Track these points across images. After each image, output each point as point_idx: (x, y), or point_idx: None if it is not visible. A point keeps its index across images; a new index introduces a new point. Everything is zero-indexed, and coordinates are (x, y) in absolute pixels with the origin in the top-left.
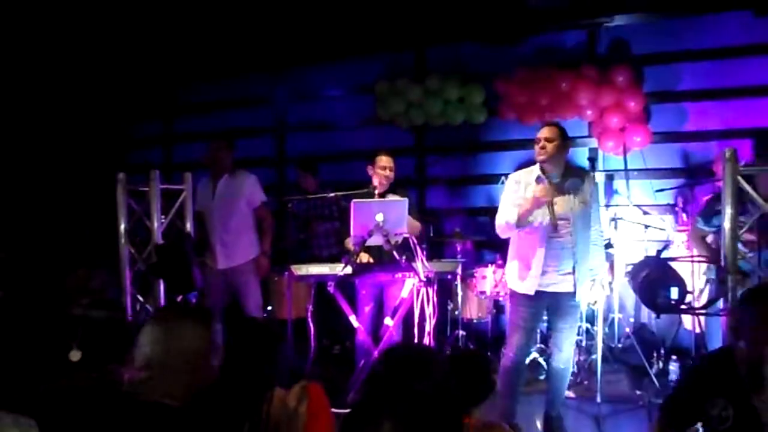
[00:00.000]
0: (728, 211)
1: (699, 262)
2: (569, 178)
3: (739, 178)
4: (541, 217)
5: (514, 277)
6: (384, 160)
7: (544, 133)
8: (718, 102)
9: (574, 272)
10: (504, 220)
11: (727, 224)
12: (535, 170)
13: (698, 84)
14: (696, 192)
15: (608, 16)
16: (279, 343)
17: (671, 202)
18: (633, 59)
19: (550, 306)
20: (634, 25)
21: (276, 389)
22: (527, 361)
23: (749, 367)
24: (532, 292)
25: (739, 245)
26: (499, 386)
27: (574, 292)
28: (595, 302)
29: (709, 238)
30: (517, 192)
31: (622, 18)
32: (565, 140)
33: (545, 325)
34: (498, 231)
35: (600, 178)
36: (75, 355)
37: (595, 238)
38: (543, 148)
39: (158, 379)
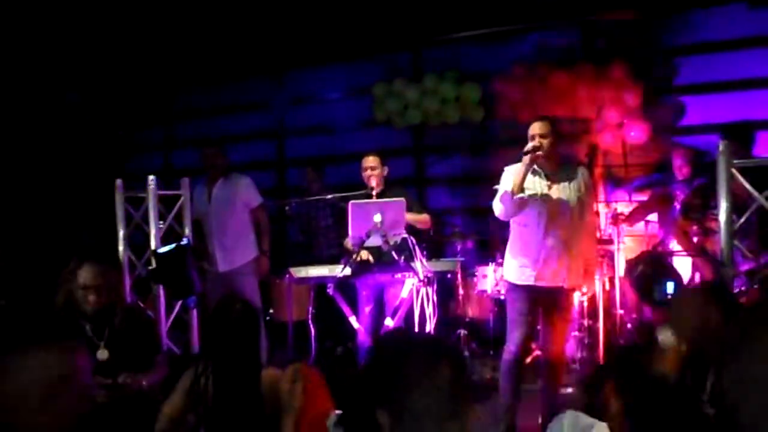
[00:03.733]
0: (723, 205)
1: (686, 255)
2: (564, 170)
3: (734, 171)
4: (538, 185)
5: (512, 268)
6: (366, 161)
7: (538, 129)
8: (715, 95)
9: (567, 265)
10: (502, 191)
11: (722, 217)
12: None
13: (695, 78)
14: (695, 186)
15: (604, 12)
16: (258, 321)
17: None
18: (630, 54)
19: (543, 302)
20: (629, 21)
21: (266, 370)
22: (529, 358)
23: None
24: (530, 282)
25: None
26: (500, 382)
27: (566, 287)
28: (585, 291)
29: (692, 232)
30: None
31: (618, 13)
32: (558, 133)
33: None
34: (496, 210)
35: (599, 173)
36: (102, 354)
37: (589, 228)
38: (539, 145)
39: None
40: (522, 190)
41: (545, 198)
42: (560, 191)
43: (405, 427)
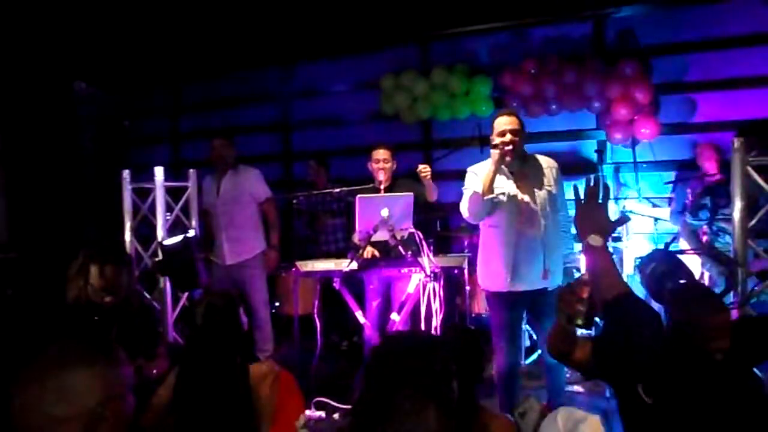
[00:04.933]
0: (738, 204)
1: (700, 254)
2: (529, 166)
3: (749, 168)
4: (507, 187)
5: (486, 275)
6: (378, 153)
7: (510, 124)
8: (727, 92)
9: (545, 265)
10: (470, 192)
11: (736, 215)
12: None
13: (707, 74)
14: (705, 184)
15: (615, 7)
16: (233, 315)
17: (674, 194)
18: (641, 50)
19: (528, 306)
20: (641, 16)
21: (256, 365)
22: (533, 357)
23: None
24: (505, 288)
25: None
26: (497, 393)
27: (549, 288)
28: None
29: (701, 232)
30: (477, 182)
31: (629, 8)
32: (524, 129)
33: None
34: (464, 213)
35: (608, 170)
36: None
37: (563, 224)
38: (511, 142)
39: None
40: (492, 190)
41: (513, 197)
42: (528, 188)
43: None
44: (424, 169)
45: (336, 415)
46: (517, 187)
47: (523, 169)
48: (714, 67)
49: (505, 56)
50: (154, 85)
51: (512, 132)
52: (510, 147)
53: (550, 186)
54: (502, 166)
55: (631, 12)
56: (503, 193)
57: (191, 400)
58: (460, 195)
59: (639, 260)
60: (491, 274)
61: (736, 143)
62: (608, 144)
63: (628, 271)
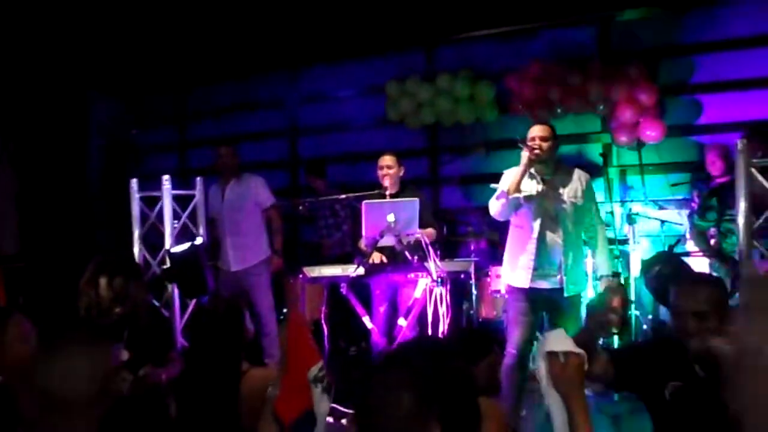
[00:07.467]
0: (742, 206)
1: (707, 257)
2: (560, 175)
3: (753, 170)
4: (534, 188)
5: (508, 270)
6: (383, 160)
7: (539, 131)
8: (733, 93)
9: (564, 270)
10: (499, 190)
11: (741, 219)
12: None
13: (713, 76)
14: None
15: (620, 10)
16: (240, 322)
17: (687, 196)
18: (646, 52)
19: (546, 306)
20: (646, 18)
21: (251, 368)
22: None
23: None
24: (525, 285)
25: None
26: (503, 384)
27: (562, 289)
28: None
29: (709, 234)
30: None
31: (634, 11)
32: (556, 139)
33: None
34: (492, 210)
35: (614, 173)
36: (123, 355)
37: (597, 235)
38: (539, 147)
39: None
40: (519, 190)
41: (538, 201)
42: (553, 196)
43: None
44: None
45: (344, 421)
46: (544, 192)
47: (553, 177)
48: (720, 69)
49: (510, 61)
50: (160, 93)
51: (541, 138)
52: (537, 150)
53: (576, 197)
54: (534, 171)
55: (635, 15)
56: (529, 195)
57: (190, 407)
58: (465, 201)
59: (644, 262)
60: (514, 270)
61: (740, 145)
62: (614, 147)
63: (635, 273)
